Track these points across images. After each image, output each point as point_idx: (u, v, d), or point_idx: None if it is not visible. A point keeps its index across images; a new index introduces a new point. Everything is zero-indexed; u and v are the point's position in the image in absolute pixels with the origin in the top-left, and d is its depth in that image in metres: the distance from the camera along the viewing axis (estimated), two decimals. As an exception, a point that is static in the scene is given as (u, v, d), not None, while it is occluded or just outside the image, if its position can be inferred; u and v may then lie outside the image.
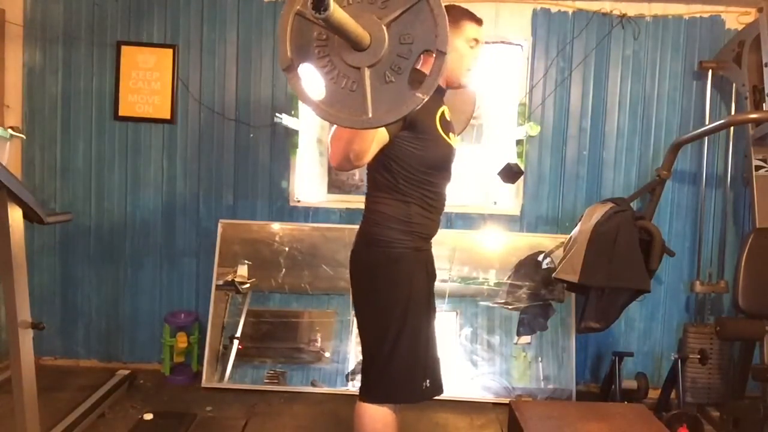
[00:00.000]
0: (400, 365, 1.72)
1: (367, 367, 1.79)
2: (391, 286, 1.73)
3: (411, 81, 1.17)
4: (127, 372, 3.11)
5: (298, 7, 1.21)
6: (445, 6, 1.16)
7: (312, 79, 1.25)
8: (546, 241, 3.29)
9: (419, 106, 1.17)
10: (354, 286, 1.81)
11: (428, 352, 1.78)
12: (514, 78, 3.35)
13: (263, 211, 3.36)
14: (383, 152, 1.66)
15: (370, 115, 1.19)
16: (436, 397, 1.76)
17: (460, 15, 1.75)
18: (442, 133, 1.77)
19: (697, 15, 3.24)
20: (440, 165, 1.79)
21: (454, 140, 1.84)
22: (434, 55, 1.14)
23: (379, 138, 1.57)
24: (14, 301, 1.87)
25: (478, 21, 1.78)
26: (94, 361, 3.40)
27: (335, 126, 1.50)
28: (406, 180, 1.72)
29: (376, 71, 1.18)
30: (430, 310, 1.84)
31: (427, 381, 1.76)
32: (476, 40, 1.77)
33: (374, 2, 1.18)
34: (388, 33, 1.17)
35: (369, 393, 1.77)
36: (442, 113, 1.80)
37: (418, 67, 1.17)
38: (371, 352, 1.77)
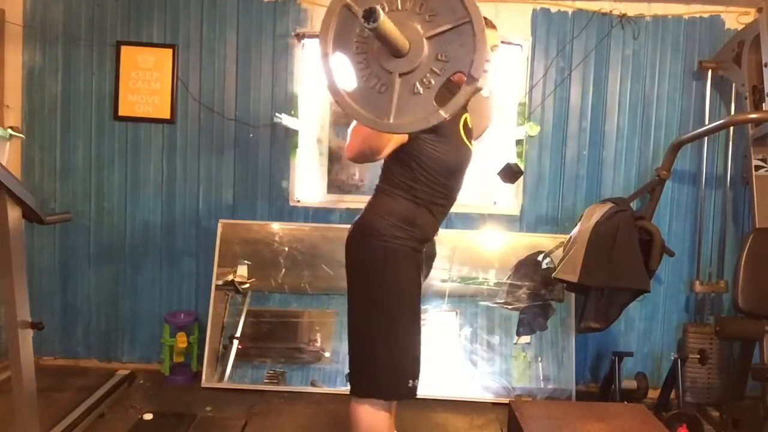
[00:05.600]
0: (387, 360, 1.71)
1: (354, 360, 1.79)
2: (383, 281, 1.72)
3: (438, 97, 1.19)
4: (127, 372, 3.11)
5: (349, 1, 1.23)
6: None
7: (342, 70, 1.26)
8: (546, 241, 3.29)
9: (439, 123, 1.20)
10: (348, 274, 1.81)
11: (416, 352, 1.78)
12: (513, 78, 3.35)
13: (263, 211, 3.36)
14: (403, 149, 1.67)
15: (391, 121, 1.21)
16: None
17: None
18: (465, 138, 1.79)
19: (697, 15, 3.24)
20: (458, 169, 1.81)
21: (473, 146, 1.86)
22: (465, 79, 1.16)
23: (397, 137, 1.59)
24: (14, 301, 1.87)
25: (490, 25, 1.77)
26: (94, 361, 3.40)
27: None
28: (421, 181, 1.73)
29: (406, 80, 1.21)
30: (418, 312, 1.84)
31: (413, 380, 1.75)
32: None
33: (422, 13, 1.20)
34: (428, 46, 1.19)
35: (355, 386, 1.76)
36: (466, 119, 1.82)
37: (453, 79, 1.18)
38: (359, 344, 1.77)
